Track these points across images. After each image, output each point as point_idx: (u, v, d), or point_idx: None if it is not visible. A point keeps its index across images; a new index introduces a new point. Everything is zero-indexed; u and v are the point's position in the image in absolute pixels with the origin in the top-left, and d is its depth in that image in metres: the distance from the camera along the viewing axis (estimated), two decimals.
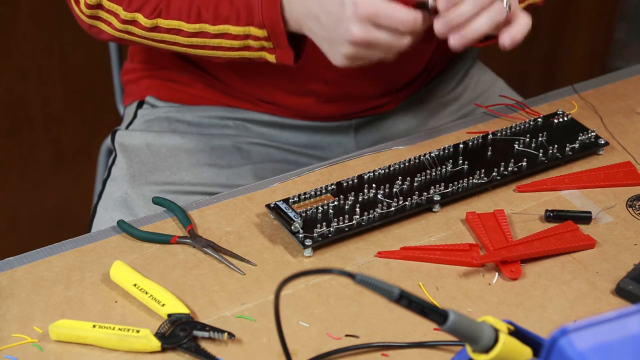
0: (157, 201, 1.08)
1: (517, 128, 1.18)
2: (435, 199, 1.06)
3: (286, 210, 1.03)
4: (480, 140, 1.16)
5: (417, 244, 1.03)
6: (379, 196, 1.06)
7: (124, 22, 1.14)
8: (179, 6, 1.12)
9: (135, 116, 1.36)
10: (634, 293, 0.96)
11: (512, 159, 1.12)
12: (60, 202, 2.06)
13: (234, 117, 1.31)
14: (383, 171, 1.10)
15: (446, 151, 1.13)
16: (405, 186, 1.07)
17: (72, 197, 2.05)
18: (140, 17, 1.13)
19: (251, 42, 1.11)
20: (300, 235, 1.00)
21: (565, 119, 1.19)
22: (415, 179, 1.08)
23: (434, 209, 1.07)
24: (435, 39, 1.05)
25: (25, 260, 0.99)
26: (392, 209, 1.04)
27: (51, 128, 1.98)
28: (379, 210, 1.04)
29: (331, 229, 1.01)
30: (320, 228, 1.01)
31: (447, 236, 1.04)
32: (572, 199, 1.10)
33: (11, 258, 1.00)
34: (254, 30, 1.09)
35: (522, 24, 1.07)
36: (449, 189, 1.07)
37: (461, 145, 1.14)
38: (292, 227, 1.01)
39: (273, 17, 1.07)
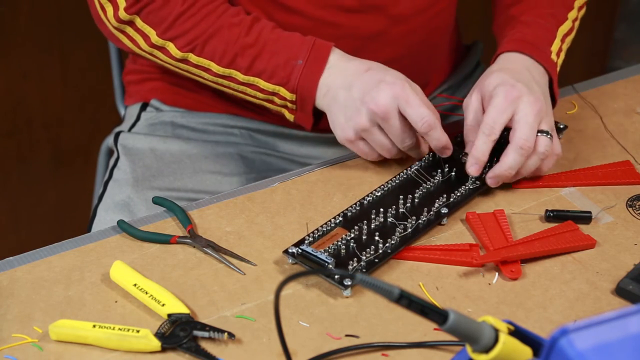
0: (157, 201, 1.07)
1: None
2: (442, 212, 1.04)
3: (314, 254, 0.97)
4: (459, 139, 1.14)
5: (417, 244, 1.03)
6: (389, 220, 1.03)
7: (153, 46, 1.13)
8: (215, 47, 1.11)
9: (138, 118, 1.34)
10: (634, 293, 0.96)
11: (497, 155, 1.08)
12: (60, 202, 2.06)
13: (239, 126, 1.30)
14: (380, 192, 1.07)
15: (427, 160, 1.11)
16: (408, 204, 1.05)
17: (72, 197, 2.05)
18: (171, 47, 1.12)
19: (275, 99, 1.13)
20: (337, 277, 0.95)
21: None
22: (415, 195, 1.06)
23: (442, 223, 1.05)
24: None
25: (25, 260, 0.99)
26: (409, 230, 1.02)
27: (51, 128, 1.98)
28: (397, 236, 1.01)
29: (362, 264, 0.98)
30: (353, 264, 0.97)
31: (447, 236, 1.04)
32: (572, 199, 1.10)
33: (11, 258, 1.00)
34: (283, 92, 1.11)
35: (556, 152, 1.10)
36: (451, 200, 1.06)
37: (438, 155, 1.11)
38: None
39: (309, 86, 1.09)
